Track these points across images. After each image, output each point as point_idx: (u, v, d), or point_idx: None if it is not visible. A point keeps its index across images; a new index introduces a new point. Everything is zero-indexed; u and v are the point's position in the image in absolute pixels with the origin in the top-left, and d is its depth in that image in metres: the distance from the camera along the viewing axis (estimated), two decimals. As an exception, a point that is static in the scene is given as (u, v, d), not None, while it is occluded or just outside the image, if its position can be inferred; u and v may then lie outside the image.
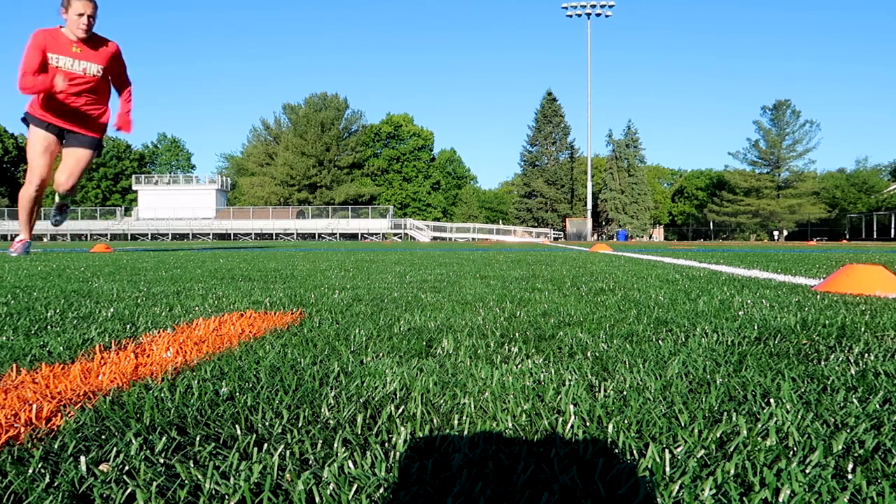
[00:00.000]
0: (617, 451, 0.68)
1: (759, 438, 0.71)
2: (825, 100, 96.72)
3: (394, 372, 1.03)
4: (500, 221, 57.52)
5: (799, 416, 0.78)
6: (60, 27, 5.60)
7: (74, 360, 1.11)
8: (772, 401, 0.86)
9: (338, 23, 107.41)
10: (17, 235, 6.56)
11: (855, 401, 0.86)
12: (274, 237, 42.11)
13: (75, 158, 5.98)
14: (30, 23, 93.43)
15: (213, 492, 0.58)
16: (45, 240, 38.64)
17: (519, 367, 1.07)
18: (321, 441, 0.71)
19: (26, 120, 5.86)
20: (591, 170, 45.35)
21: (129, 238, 42.13)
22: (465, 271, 3.72)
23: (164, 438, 0.70)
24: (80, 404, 0.84)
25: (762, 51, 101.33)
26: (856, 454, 0.67)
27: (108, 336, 1.38)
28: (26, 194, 5.91)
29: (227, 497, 0.57)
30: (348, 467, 0.63)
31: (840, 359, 1.14)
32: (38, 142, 5.78)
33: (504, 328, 1.50)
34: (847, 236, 44.06)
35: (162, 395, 0.88)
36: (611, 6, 41.54)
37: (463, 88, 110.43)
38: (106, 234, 42.47)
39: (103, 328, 1.49)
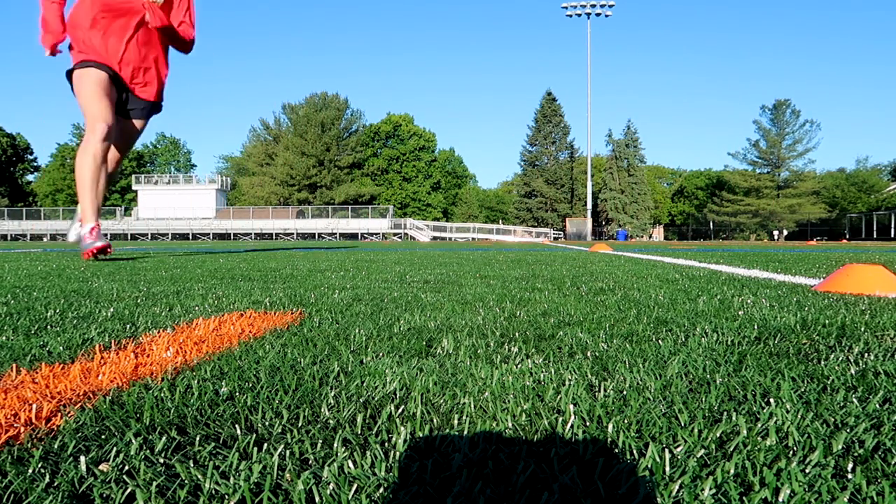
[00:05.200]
0: (617, 450, 0.68)
1: (758, 438, 0.71)
2: (825, 100, 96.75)
3: (394, 372, 1.03)
4: (500, 221, 57.54)
5: (799, 416, 0.78)
6: None
7: (74, 359, 1.11)
8: (772, 400, 0.86)
9: (338, 23, 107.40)
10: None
11: (855, 400, 0.86)
12: (274, 237, 42.10)
13: None
14: (29, 23, 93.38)
15: (213, 491, 0.58)
16: (45, 239, 38.65)
17: (519, 366, 1.07)
18: (321, 441, 0.71)
19: None
20: (591, 169, 45.34)
21: (129, 238, 42.13)
22: (465, 271, 3.72)
23: (163, 438, 0.70)
24: (79, 404, 0.84)
25: (762, 51, 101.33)
26: (856, 454, 0.67)
27: (107, 336, 1.38)
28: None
29: (226, 497, 0.57)
30: (348, 467, 0.63)
31: (840, 358, 1.14)
32: None
33: (504, 328, 1.50)
34: (847, 236, 44.05)
35: (162, 394, 0.88)
36: (611, 6, 41.53)
37: (463, 88, 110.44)
38: (106, 234, 42.42)
39: (103, 328, 1.49)
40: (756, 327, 1.50)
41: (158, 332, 1.42)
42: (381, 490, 0.58)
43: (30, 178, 60.98)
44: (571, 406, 0.82)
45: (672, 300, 2.09)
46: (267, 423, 0.76)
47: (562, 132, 51.07)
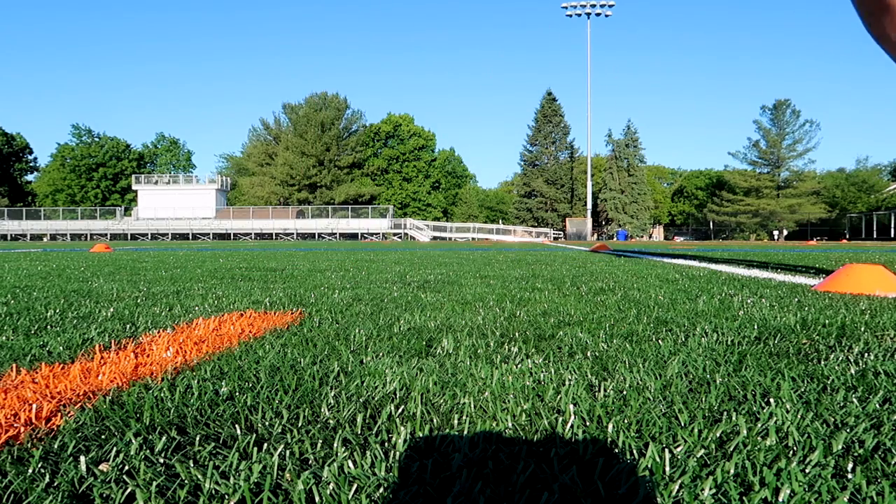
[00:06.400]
0: (617, 450, 0.68)
1: (758, 438, 0.71)
2: (825, 100, 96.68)
3: (394, 372, 1.02)
4: (500, 221, 57.56)
5: (799, 416, 0.78)
6: None
7: (74, 359, 1.11)
8: (772, 400, 0.86)
9: (338, 23, 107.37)
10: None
11: (855, 400, 0.86)
12: (274, 237, 42.11)
13: None
14: (29, 23, 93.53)
15: (213, 491, 0.58)
16: (45, 239, 38.64)
17: (519, 366, 1.07)
18: (321, 441, 0.70)
19: None
20: (591, 169, 45.39)
21: (129, 238, 42.14)
22: (465, 271, 3.72)
23: (163, 438, 0.70)
24: (79, 404, 0.84)
25: (762, 51, 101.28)
26: (855, 454, 0.67)
27: (107, 336, 1.38)
28: None
29: (226, 497, 0.57)
30: (348, 467, 0.63)
31: (840, 358, 1.14)
32: None
33: (504, 328, 1.50)
34: (847, 236, 44.04)
35: (162, 394, 0.88)
36: (610, 6, 41.53)
37: (463, 88, 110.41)
38: (106, 234, 42.49)
39: (103, 328, 1.49)
40: (756, 327, 1.50)
41: (158, 332, 1.42)
42: (381, 490, 0.58)
43: (29, 178, 61.03)
44: (571, 406, 0.82)
45: (672, 300, 2.09)
46: (267, 423, 0.76)
47: (562, 132, 51.08)
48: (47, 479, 0.60)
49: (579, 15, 42.00)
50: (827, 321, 1.59)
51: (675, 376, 0.99)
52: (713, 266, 4.37)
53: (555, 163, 51.49)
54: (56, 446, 0.69)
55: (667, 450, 0.67)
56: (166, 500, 0.57)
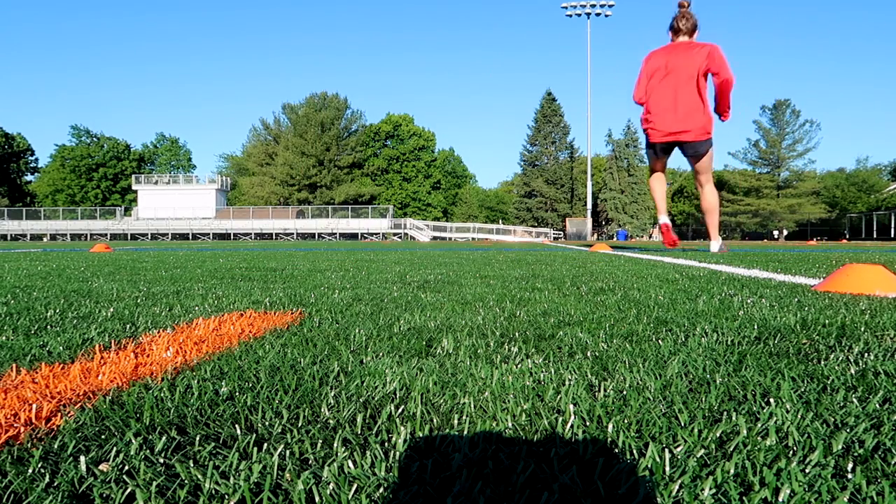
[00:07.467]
0: (617, 450, 0.68)
1: (758, 438, 0.71)
2: (825, 100, 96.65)
3: (394, 372, 1.03)
4: (500, 221, 57.60)
5: (799, 416, 0.78)
6: None
7: (74, 359, 1.11)
8: (772, 400, 0.86)
9: (338, 23, 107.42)
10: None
11: (855, 400, 0.86)
12: (274, 237, 42.10)
13: None
14: (29, 23, 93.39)
15: (213, 491, 0.58)
16: (45, 239, 38.65)
17: (519, 366, 1.07)
18: (321, 441, 0.71)
19: None
20: (591, 169, 45.36)
21: (129, 238, 42.14)
22: (465, 271, 3.72)
23: (163, 438, 0.70)
24: (79, 404, 0.84)
25: (762, 51, 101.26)
26: (855, 454, 0.67)
27: (107, 336, 1.38)
28: None
29: (226, 497, 0.57)
30: (348, 467, 0.63)
31: (840, 358, 1.14)
32: None
33: (504, 328, 1.50)
34: (847, 236, 44.04)
35: (162, 394, 0.88)
36: (610, 6, 41.51)
37: (463, 88, 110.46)
38: (106, 234, 42.49)
39: (103, 328, 1.49)
40: (756, 327, 1.50)
41: (158, 332, 1.42)
42: (381, 490, 0.58)
43: (29, 178, 61.03)
44: (571, 406, 0.82)
45: (672, 300, 2.09)
46: (267, 423, 0.76)
47: (562, 132, 51.06)
48: (47, 479, 0.60)
49: (579, 15, 41.96)
50: (827, 321, 1.59)
51: (675, 376, 0.99)
52: (713, 266, 4.37)
53: (555, 163, 51.49)
54: (56, 446, 0.69)
55: (667, 450, 0.67)
56: (166, 500, 0.57)
